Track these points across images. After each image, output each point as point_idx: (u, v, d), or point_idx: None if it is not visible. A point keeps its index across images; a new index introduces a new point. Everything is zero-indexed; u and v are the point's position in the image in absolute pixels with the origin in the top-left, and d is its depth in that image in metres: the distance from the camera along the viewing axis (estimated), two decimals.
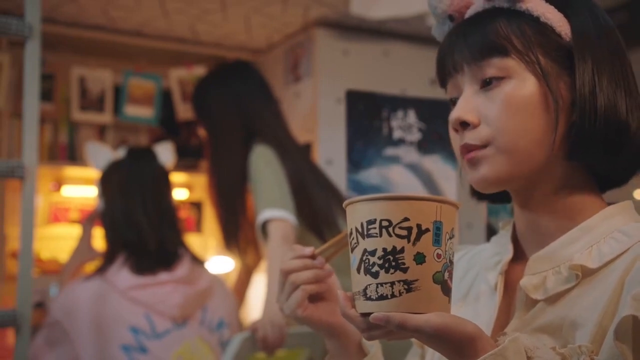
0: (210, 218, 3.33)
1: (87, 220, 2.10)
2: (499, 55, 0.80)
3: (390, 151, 3.04)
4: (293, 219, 1.95)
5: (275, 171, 2.03)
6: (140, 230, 1.89)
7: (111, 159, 1.99)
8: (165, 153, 2.05)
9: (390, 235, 0.70)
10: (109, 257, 1.86)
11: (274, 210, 1.94)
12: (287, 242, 1.89)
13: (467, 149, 0.82)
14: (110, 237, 1.92)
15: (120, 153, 2.01)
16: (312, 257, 0.88)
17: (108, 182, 1.96)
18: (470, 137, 0.81)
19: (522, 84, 0.80)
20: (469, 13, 0.87)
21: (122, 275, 1.79)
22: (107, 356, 1.69)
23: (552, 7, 0.82)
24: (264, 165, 2.03)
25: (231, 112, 2.13)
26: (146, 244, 1.88)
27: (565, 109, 0.80)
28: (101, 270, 1.83)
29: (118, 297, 1.76)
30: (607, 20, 0.84)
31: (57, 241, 3.10)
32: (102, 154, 2.00)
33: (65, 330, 1.71)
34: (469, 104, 0.82)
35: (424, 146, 3.10)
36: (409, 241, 0.70)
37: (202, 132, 2.23)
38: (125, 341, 1.72)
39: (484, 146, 0.81)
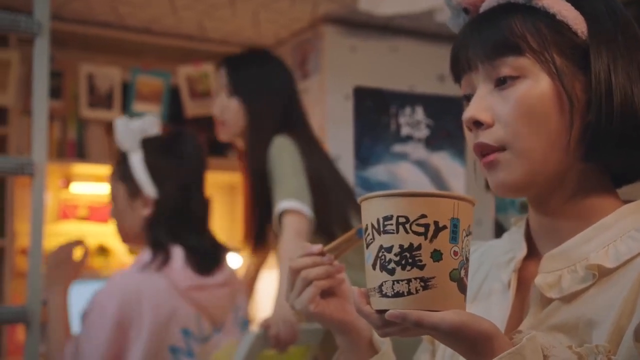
0: (217, 215, 3.33)
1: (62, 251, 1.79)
2: (513, 54, 0.79)
3: (398, 148, 3.04)
4: (309, 212, 1.92)
5: (296, 163, 1.98)
6: (200, 222, 1.77)
7: (143, 136, 1.77)
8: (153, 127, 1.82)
9: (407, 232, 0.70)
10: (164, 251, 1.69)
11: (292, 201, 1.90)
12: (300, 237, 1.86)
13: (482, 148, 0.81)
14: (163, 228, 1.72)
15: (148, 123, 1.78)
16: (321, 254, 0.88)
17: (161, 167, 1.75)
18: (485, 136, 0.81)
19: (536, 84, 0.79)
20: (484, 7, 0.85)
21: (185, 273, 1.67)
22: (155, 356, 1.60)
23: (569, 4, 0.81)
24: (286, 156, 1.97)
25: (275, 98, 2.07)
26: (204, 236, 1.76)
27: (581, 109, 0.79)
28: (158, 264, 1.67)
29: (177, 296, 1.66)
30: (625, 14, 0.83)
31: (67, 238, 3.11)
32: (131, 131, 1.76)
33: (125, 325, 1.59)
34: (483, 103, 0.81)
35: (432, 143, 3.09)
36: (426, 238, 0.69)
37: (236, 107, 2.08)
38: (174, 342, 1.64)
39: (500, 148, 0.80)
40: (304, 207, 1.91)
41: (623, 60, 0.80)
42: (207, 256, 1.75)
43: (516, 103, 0.79)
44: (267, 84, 2.08)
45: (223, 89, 2.10)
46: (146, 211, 1.72)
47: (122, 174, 1.73)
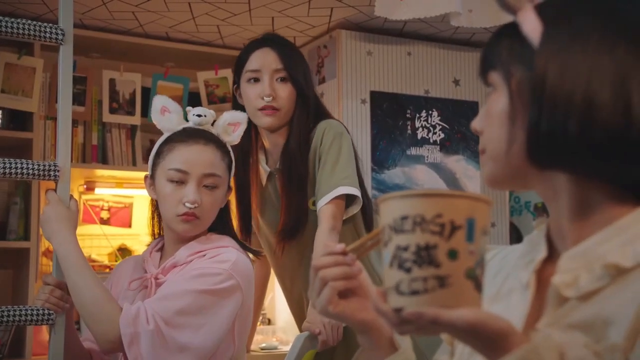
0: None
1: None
2: (490, 69, 0.87)
3: (414, 151, 3.06)
4: (359, 202, 1.89)
5: (351, 149, 1.94)
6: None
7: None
8: None
9: (423, 231, 0.71)
10: (236, 237, 1.70)
11: (351, 187, 1.85)
12: (337, 227, 1.82)
13: (480, 152, 0.90)
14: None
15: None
16: (344, 253, 0.89)
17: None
18: (480, 142, 0.89)
19: (500, 96, 0.85)
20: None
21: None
22: (244, 341, 1.62)
23: (534, 14, 0.83)
24: (345, 140, 1.93)
25: (313, 86, 2.06)
26: None
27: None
28: (245, 249, 1.67)
29: None
30: (597, 21, 0.81)
31: (90, 240, 3.17)
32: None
33: (244, 303, 1.56)
34: (481, 113, 0.90)
35: (447, 146, 3.11)
36: (442, 237, 0.70)
37: (291, 92, 1.97)
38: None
39: (483, 151, 0.88)
40: (359, 195, 1.88)
41: (571, 69, 0.79)
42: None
43: (487, 112, 0.87)
44: (309, 70, 2.05)
45: (272, 74, 1.96)
46: (225, 201, 1.68)
47: (229, 164, 1.66)
